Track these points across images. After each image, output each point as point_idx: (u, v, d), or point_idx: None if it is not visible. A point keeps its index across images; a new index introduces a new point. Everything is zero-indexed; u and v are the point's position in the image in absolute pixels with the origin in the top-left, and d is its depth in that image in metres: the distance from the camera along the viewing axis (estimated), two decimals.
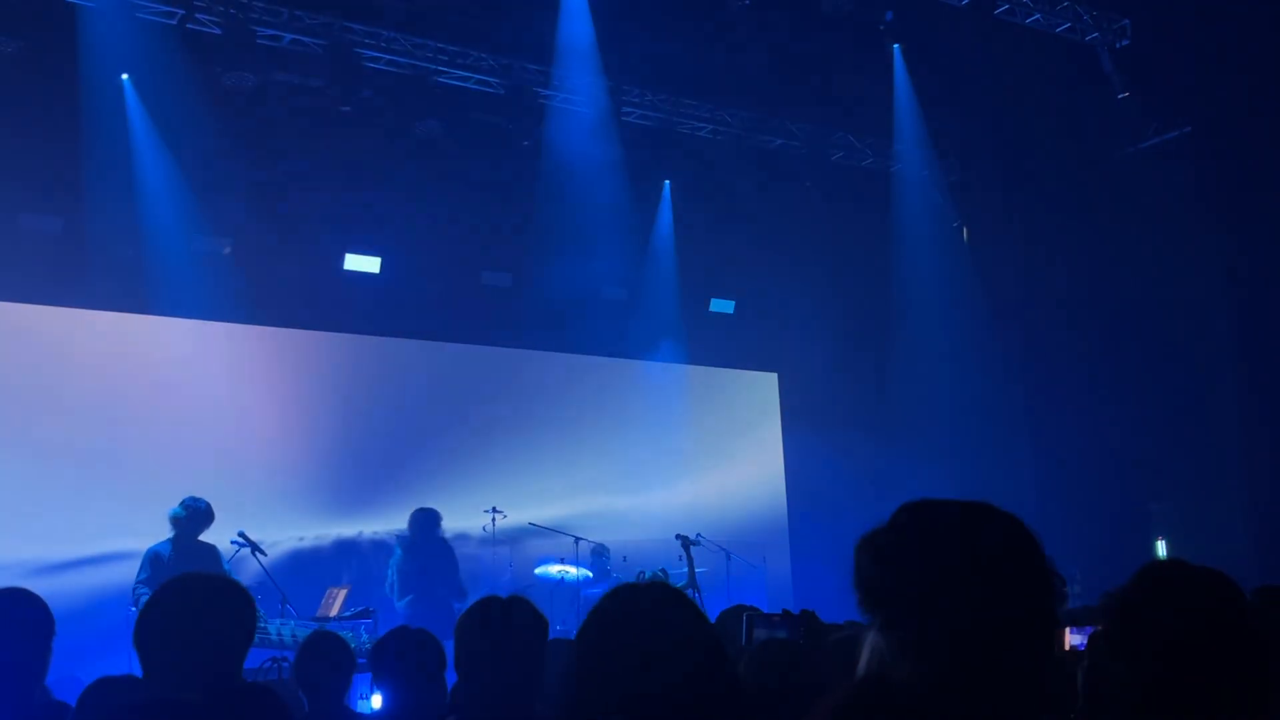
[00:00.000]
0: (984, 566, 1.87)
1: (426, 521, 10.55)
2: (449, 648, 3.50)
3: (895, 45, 11.96)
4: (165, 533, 8.78)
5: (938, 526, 1.93)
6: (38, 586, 3.35)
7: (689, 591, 10.97)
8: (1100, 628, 2.34)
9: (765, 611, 4.44)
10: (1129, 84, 11.68)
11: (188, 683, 2.57)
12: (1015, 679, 1.83)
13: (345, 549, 11.82)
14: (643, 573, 10.43)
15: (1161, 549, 11.91)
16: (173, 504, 8.86)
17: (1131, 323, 12.74)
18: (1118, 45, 11.67)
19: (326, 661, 4.79)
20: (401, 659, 4.12)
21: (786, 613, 3.57)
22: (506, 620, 3.21)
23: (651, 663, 2.15)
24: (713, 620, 5.75)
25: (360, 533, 11.92)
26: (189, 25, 10.37)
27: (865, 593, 1.92)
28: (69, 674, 5.71)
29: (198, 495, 8.95)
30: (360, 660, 5.76)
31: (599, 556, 11.59)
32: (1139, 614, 2.26)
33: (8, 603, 3.22)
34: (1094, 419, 12.80)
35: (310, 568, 11.44)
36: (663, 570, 11.04)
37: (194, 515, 8.77)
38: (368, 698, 6.29)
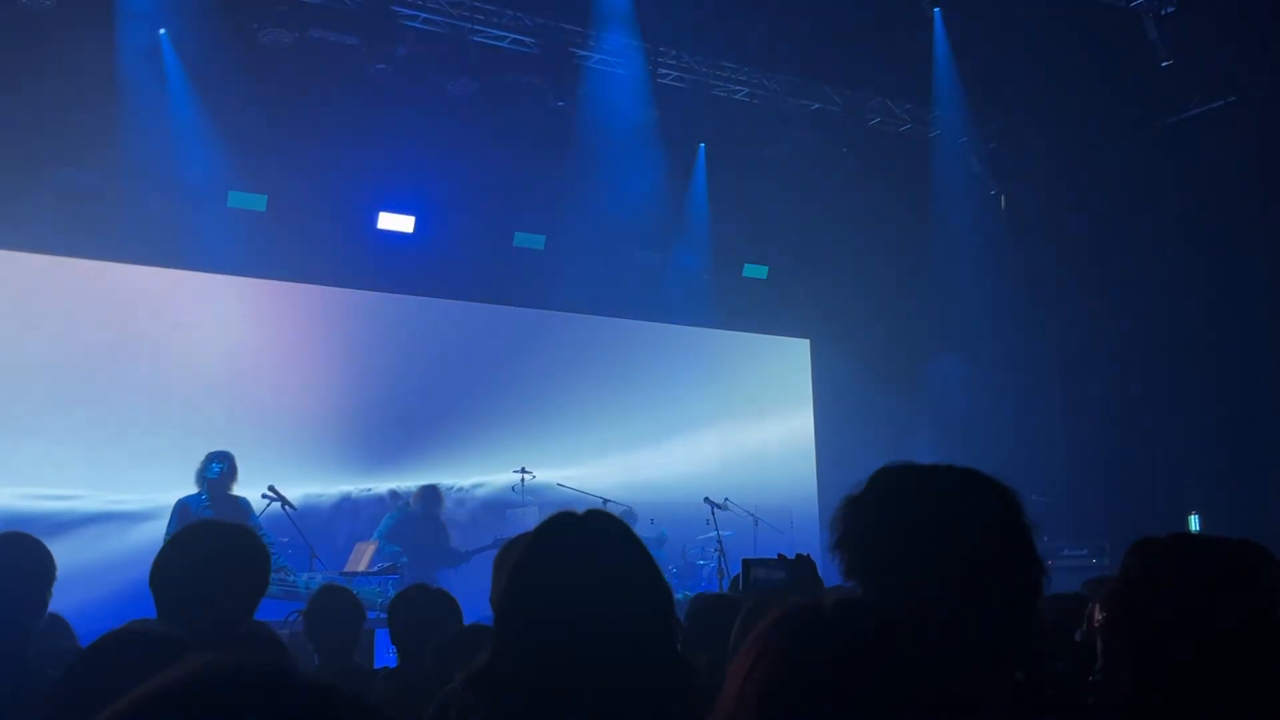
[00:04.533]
0: (968, 529, 1.82)
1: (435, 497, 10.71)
2: None
3: (935, 9, 11.81)
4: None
5: (920, 489, 1.89)
6: (71, 539, 3.37)
7: (714, 555, 11.01)
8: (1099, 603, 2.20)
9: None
10: (1173, 52, 11.48)
11: (197, 624, 2.64)
12: (1001, 637, 1.79)
13: (374, 505, 11.88)
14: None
15: (1194, 523, 11.79)
16: (201, 457, 8.90)
17: (1170, 292, 12.59)
18: (1163, 12, 11.45)
19: (334, 616, 4.83)
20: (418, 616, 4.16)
21: (782, 556, 3.53)
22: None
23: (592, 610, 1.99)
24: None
25: (395, 488, 11.97)
26: None
27: (848, 554, 1.87)
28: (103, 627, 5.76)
29: (223, 449, 8.96)
30: (373, 615, 5.81)
31: (626, 519, 11.59)
32: (1136, 592, 2.07)
33: (5, 546, 3.27)
34: (1130, 389, 12.69)
35: (339, 523, 11.56)
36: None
37: (225, 475, 8.81)
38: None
